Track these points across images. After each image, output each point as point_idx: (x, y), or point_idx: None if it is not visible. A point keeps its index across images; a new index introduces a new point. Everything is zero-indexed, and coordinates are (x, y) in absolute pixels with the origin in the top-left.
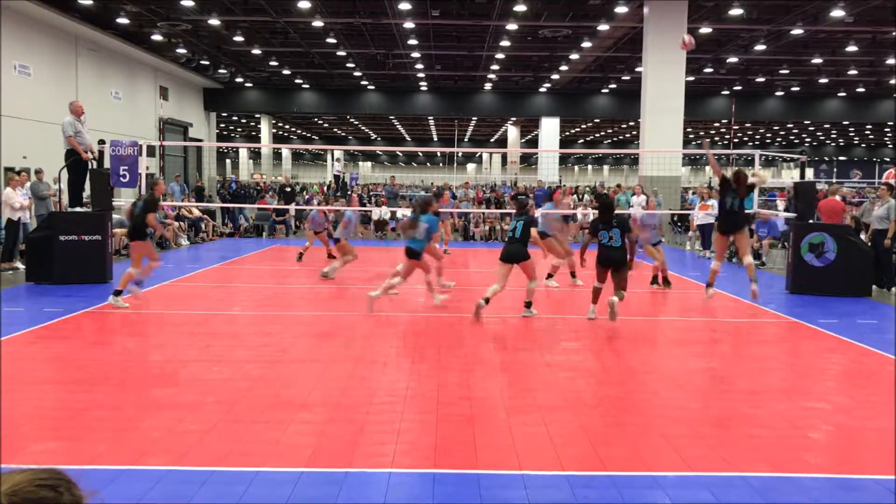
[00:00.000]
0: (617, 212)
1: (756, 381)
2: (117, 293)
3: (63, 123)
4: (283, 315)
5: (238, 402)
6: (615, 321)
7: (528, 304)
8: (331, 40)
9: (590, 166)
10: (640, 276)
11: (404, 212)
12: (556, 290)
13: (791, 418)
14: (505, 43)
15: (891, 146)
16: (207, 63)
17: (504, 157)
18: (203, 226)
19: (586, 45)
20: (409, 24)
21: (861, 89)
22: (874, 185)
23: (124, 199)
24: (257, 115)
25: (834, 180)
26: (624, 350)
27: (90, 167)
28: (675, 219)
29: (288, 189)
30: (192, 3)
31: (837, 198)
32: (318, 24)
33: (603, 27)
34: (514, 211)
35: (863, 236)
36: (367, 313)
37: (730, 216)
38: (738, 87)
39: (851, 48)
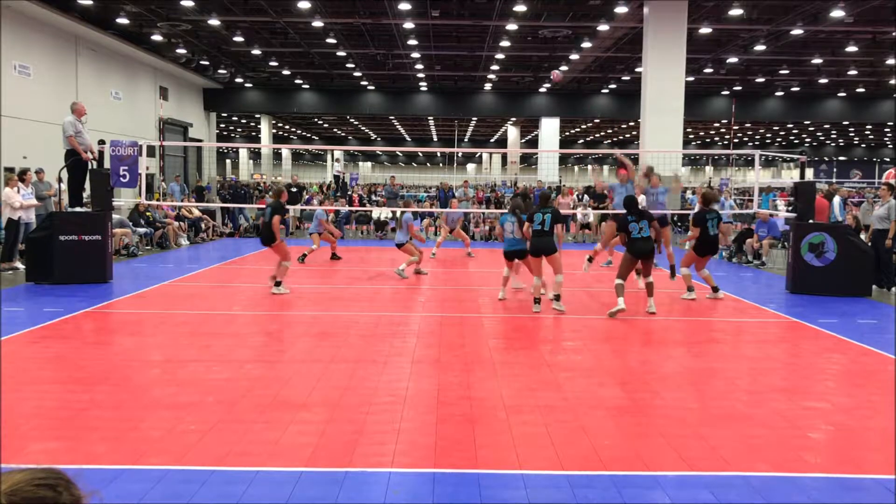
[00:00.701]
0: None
1: (756, 381)
2: (278, 284)
3: (64, 123)
4: (283, 315)
5: (238, 402)
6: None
7: (558, 297)
8: (331, 40)
9: (590, 167)
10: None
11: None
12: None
13: (791, 418)
14: (505, 43)
15: (891, 146)
16: (207, 63)
17: (504, 157)
18: (203, 226)
19: (586, 45)
20: (409, 25)
21: (861, 89)
22: (874, 185)
23: (124, 199)
24: (257, 116)
25: (834, 180)
26: (624, 350)
27: (90, 167)
28: (675, 219)
29: (294, 189)
30: (192, 3)
31: (836, 200)
32: (318, 24)
33: (603, 27)
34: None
35: (863, 236)
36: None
37: (714, 238)
38: (738, 87)
39: (851, 48)
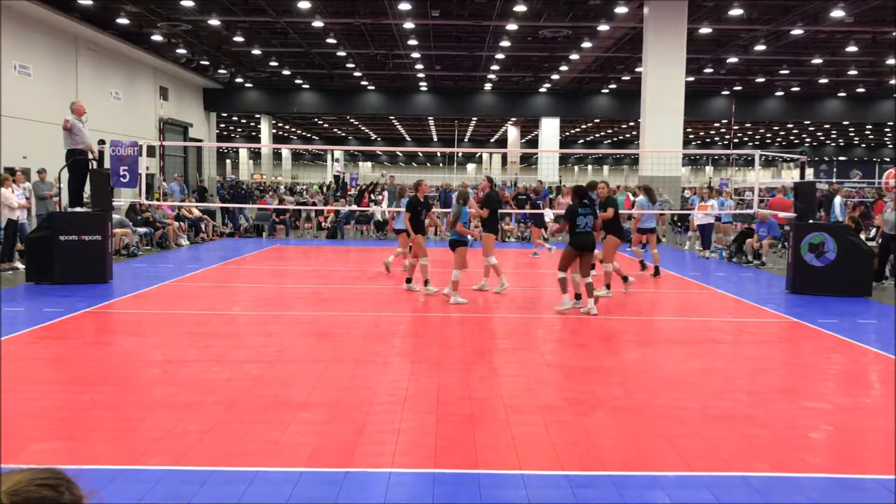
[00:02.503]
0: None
1: (756, 381)
2: (426, 282)
3: (64, 121)
4: (283, 315)
5: (238, 402)
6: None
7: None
8: (331, 40)
9: (590, 166)
10: (643, 276)
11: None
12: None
13: (791, 418)
14: (505, 43)
15: (891, 146)
16: (207, 63)
17: (504, 157)
18: (203, 226)
19: (586, 45)
20: (409, 25)
21: (861, 89)
22: (874, 185)
23: (124, 199)
24: (257, 115)
25: (834, 180)
26: (624, 350)
27: (90, 167)
28: (675, 219)
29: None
30: (192, 4)
31: (836, 200)
32: (318, 24)
33: (603, 27)
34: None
35: (863, 237)
36: None
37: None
38: (738, 88)
39: (851, 48)
